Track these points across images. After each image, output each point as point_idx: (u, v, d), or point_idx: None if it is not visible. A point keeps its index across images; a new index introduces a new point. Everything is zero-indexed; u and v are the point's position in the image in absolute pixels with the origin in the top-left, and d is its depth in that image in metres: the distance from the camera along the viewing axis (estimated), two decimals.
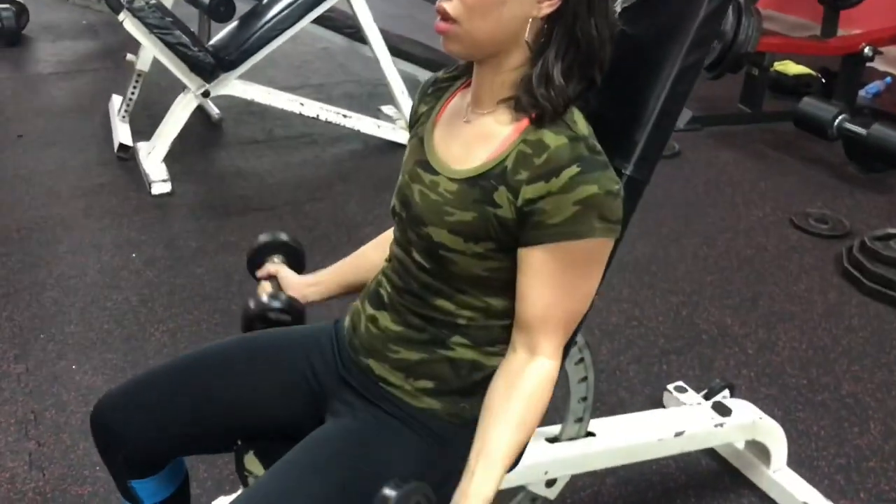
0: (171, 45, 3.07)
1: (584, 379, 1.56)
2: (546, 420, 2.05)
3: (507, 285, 1.13)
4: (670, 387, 2.20)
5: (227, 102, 3.70)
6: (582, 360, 1.54)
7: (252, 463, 1.29)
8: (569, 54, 1.08)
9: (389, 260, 1.27)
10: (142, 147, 3.42)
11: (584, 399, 1.58)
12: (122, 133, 3.56)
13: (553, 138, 1.06)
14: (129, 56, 3.74)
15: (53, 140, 3.63)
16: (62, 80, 4.38)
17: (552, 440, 1.60)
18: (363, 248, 1.45)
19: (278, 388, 1.30)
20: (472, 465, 1.05)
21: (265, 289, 1.46)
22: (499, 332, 1.17)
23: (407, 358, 1.20)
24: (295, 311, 1.40)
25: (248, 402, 1.29)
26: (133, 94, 3.67)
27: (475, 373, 1.19)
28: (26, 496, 1.82)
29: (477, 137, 1.15)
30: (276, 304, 1.39)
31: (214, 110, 3.92)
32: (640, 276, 2.84)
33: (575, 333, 1.24)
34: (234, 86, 3.33)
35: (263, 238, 1.53)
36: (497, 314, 1.17)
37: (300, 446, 1.18)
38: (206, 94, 3.28)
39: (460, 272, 1.14)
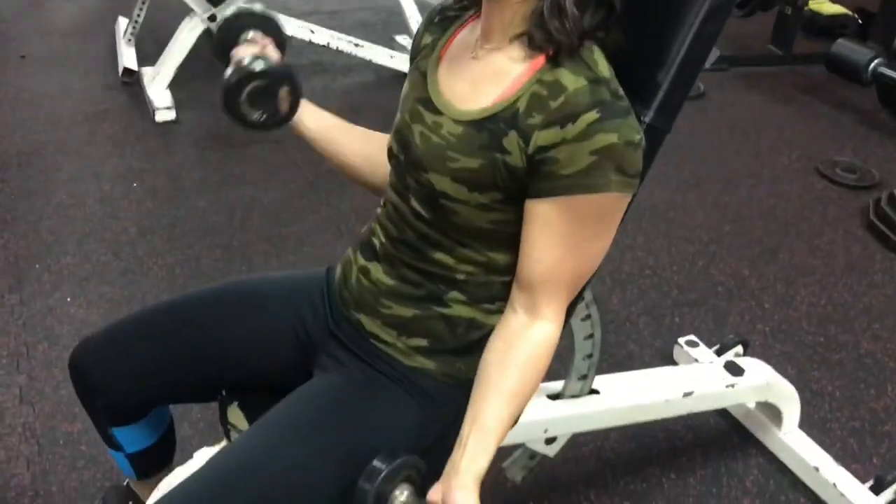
0: None
1: (591, 336, 1.48)
2: (549, 375, 2.01)
3: (511, 239, 1.05)
4: (681, 340, 2.12)
5: None
6: (589, 316, 1.45)
7: (235, 416, 1.23)
8: None
9: (384, 205, 1.18)
10: (147, 72, 3.32)
11: (590, 356, 1.50)
12: (127, 57, 3.45)
13: (572, 79, 0.96)
14: None
15: (57, 62, 3.53)
16: (67, 0, 4.24)
17: (554, 397, 1.53)
18: (360, 128, 1.33)
19: (265, 338, 1.23)
20: (465, 435, 0.98)
21: (245, 52, 1.18)
22: (499, 289, 1.10)
23: (400, 314, 1.13)
24: (287, 76, 1.17)
25: (232, 352, 1.23)
26: (139, 16, 3.54)
27: (472, 331, 1.12)
28: (15, 431, 1.78)
29: (486, 75, 1.04)
30: (261, 64, 1.14)
31: None
32: (656, 223, 2.74)
33: (582, 290, 1.16)
34: None
35: (239, 8, 1.25)
36: (499, 269, 1.09)
37: (285, 403, 1.12)
38: (212, 19, 3.16)
39: (462, 223, 1.05)
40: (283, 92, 1.17)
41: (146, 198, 2.66)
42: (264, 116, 1.18)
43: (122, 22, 3.69)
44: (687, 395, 1.63)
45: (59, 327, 2.09)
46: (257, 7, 1.27)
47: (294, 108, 1.21)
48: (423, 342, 1.12)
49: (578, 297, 1.23)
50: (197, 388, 1.28)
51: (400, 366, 1.12)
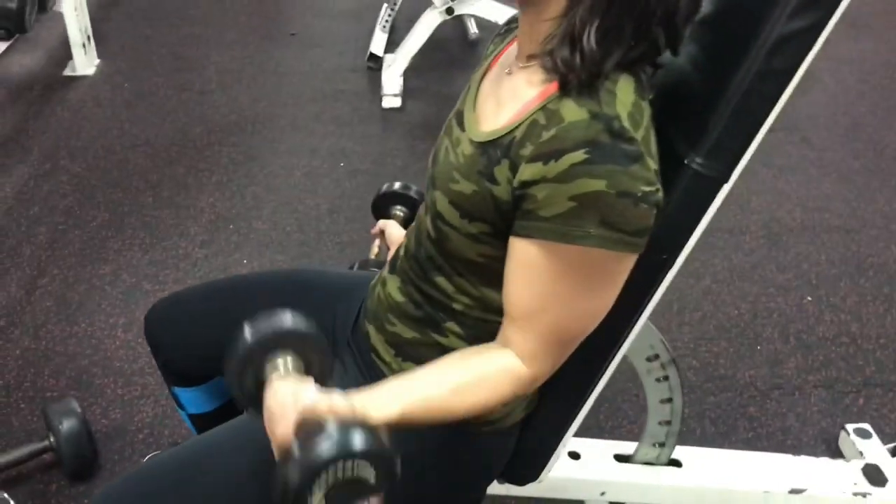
0: None
1: (668, 400, 1.31)
2: (617, 433, 1.84)
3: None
4: (850, 427, 1.81)
5: (489, 23, 3.61)
6: (666, 378, 1.29)
7: None
8: (612, 9, 0.84)
9: (416, 218, 1.15)
10: (387, 59, 3.47)
11: (668, 423, 1.33)
12: (376, 42, 3.63)
13: (572, 111, 0.85)
14: None
15: (320, 41, 3.81)
16: None
17: (623, 459, 1.38)
18: None
19: None
20: (386, 384, 0.93)
21: (373, 249, 1.48)
22: (497, 329, 1.01)
23: (401, 334, 1.10)
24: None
25: None
26: (395, 3, 3.71)
27: None
28: (156, 373, 1.97)
29: (509, 95, 0.97)
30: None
31: (472, 29, 3.85)
32: (878, 285, 2.36)
33: (612, 344, 1.05)
34: (478, 5, 3.23)
35: (390, 186, 1.48)
36: (495, 309, 1.00)
37: None
38: (449, 12, 3.22)
39: (454, 251, 1.00)
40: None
41: (347, 178, 2.79)
42: None
43: (385, 8, 3.89)
44: (795, 492, 1.38)
45: None
46: (412, 191, 1.49)
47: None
48: (415, 368, 1.06)
49: (646, 354, 1.10)
50: None
51: None
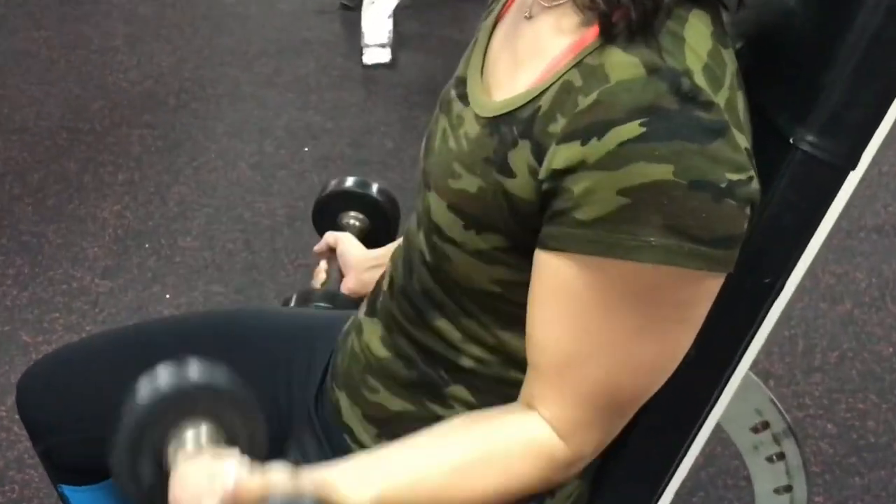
0: None
1: (787, 489, 1.31)
2: None
3: None
4: None
5: None
6: (781, 456, 1.28)
7: None
8: None
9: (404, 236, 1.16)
10: None
11: None
12: None
13: (621, 65, 0.85)
14: None
15: None
16: None
17: None
18: None
19: None
20: (361, 458, 0.98)
21: (318, 275, 1.47)
22: None
23: (385, 404, 1.11)
24: None
25: None
26: None
27: None
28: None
29: (530, 49, 0.98)
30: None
31: None
32: None
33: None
34: None
35: (340, 183, 1.48)
36: (519, 363, 1.00)
37: None
38: None
39: (460, 279, 1.00)
40: None
41: (314, 169, 2.82)
42: None
43: None
44: None
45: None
46: (373, 189, 1.48)
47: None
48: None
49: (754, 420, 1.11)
50: None
51: None
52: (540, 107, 0.89)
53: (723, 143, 0.83)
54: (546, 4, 0.96)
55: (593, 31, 0.88)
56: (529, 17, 0.99)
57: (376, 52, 3.30)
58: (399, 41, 3.36)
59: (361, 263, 1.37)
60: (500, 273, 0.96)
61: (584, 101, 0.85)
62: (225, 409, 0.95)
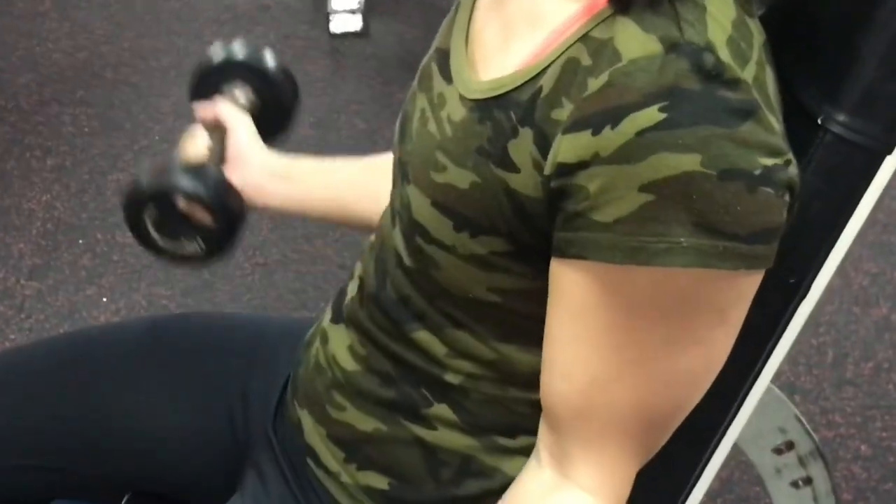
0: None
1: None
2: None
3: (537, 326, 0.96)
4: None
5: None
6: (808, 481, 1.30)
7: None
8: None
9: (375, 234, 1.17)
10: None
11: None
12: None
13: (636, 40, 0.85)
14: None
15: None
16: None
17: None
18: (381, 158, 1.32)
19: (182, 417, 1.28)
20: None
21: (194, 148, 1.30)
22: (523, 413, 1.03)
23: (355, 424, 1.11)
24: (224, 209, 1.22)
25: (132, 433, 1.28)
26: None
27: (467, 480, 1.06)
28: None
29: (525, 17, 0.97)
30: (192, 185, 1.20)
31: None
32: None
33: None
34: None
35: (231, 52, 1.39)
36: (519, 378, 1.02)
37: None
38: None
39: (449, 286, 1.00)
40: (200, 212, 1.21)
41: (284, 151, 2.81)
42: (200, 244, 1.25)
43: None
44: None
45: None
46: (267, 56, 1.39)
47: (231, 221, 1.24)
48: (380, 482, 1.08)
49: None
50: (91, 483, 1.34)
51: None
52: (541, 88, 0.89)
53: (754, 124, 0.82)
54: None
55: (601, 0, 0.88)
56: None
57: (345, 19, 3.31)
58: (371, 6, 3.36)
59: (256, 158, 1.28)
60: (499, 281, 0.96)
61: (593, 84, 0.84)
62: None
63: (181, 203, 1.17)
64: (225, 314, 1.42)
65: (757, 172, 0.82)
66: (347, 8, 3.32)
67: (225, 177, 1.22)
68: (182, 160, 1.25)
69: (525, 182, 0.89)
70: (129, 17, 3.34)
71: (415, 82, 1.08)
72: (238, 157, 1.27)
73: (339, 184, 1.31)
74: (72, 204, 2.66)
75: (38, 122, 2.92)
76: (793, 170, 0.85)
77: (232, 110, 1.30)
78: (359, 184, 1.28)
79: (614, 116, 0.82)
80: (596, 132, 0.83)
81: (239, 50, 1.36)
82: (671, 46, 0.83)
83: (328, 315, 1.18)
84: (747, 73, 0.83)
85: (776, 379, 1.10)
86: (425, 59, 1.09)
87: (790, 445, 1.29)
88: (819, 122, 0.94)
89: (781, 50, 0.94)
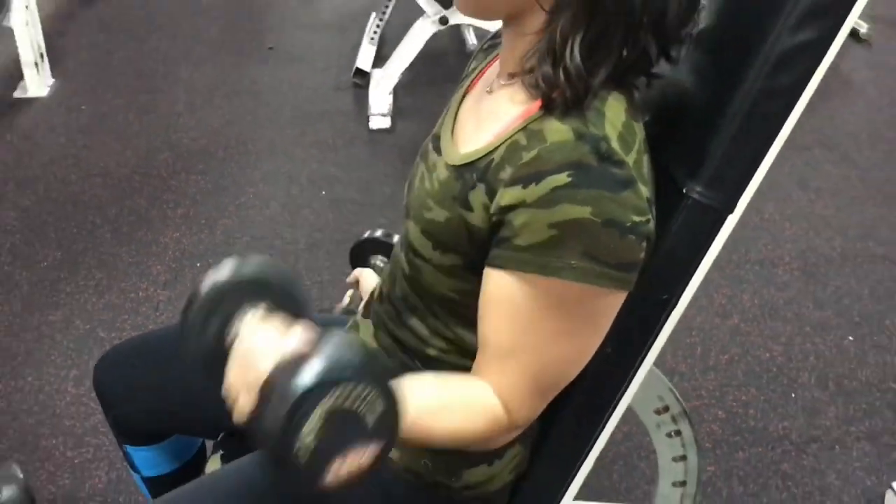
0: None
1: (682, 458, 1.31)
2: (634, 494, 1.84)
3: None
4: None
5: (488, 33, 3.65)
6: (678, 433, 1.29)
7: (213, 467, 1.26)
8: (596, 20, 0.86)
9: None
10: (375, 74, 3.51)
11: (682, 484, 1.33)
12: (363, 56, 3.67)
13: (557, 130, 0.86)
14: None
15: (300, 56, 3.85)
16: None
17: None
18: None
19: None
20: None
21: (344, 300, 1.49)
22: None
23: None
24: None
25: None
26: (384, 13, 3.76)
27: None
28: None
29: (489, 114, 1.00)
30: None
31: (471, 40, 3.90)
32: None
33: (617, 391, 1.07)
34: None
35: (370, 233, 1.50)
36: (472, 354, 1.01)
37: (228, 467, 1.14)
38: (443, 21, 3.26)
39: (428, 287, 1.02)
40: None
41: (329, 209, 2.82)
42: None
43: (373, 18, 3.93)
44: None
45: None
46: (393, 239, 1.48)
47: None
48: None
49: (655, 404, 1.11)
50: (199, 424, 1.34)
51: None
52: (493, 159, 0.91)
53: (630, 192, 0.84)
54: (503, 83, 0.98)
55: (537, 104, 0.90)
56: (490, 92, 1.01)
57: (380, 120, 3.31)
58: (397, 112, 3.37)
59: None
60: (457, 284, 0.98)
61: (526, 156, 0.86)
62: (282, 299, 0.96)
63: None
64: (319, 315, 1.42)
65: (628, 224, 0.84)
66: (381, 112, 3.33)
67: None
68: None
69: (477, 218, 0.92)
70: (235, 117, 3.34)
71: (418, 156, 1.10)
72: (364, 295, 1.37)
73: None
74: (193, 240, 2.66)
75: (171, 185, 2.92)
76: (651, 226, 0.87)
77: (360, 271, 1.46)
78: None
79: (537, 177, 0.84)
80: (525, 186, 0.85)
81: (378, 233, 1.51)
82: (579, 135, 0.85)
83: (361, 312, 1.18)
84: (630, 158, 0.85)
85: (661, 365, 1.10)
86: (425, 141, 1.11)
87: (666, 408, 1.28)
88: (684, 191, 0.95)
89: (662, 142, 0.96)
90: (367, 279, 1.41)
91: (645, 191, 0.86)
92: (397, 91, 3.41)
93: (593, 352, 0.93)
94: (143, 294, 2.43)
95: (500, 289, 0.90)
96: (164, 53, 3.80)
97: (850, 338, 2.29)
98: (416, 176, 1.06)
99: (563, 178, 0.83)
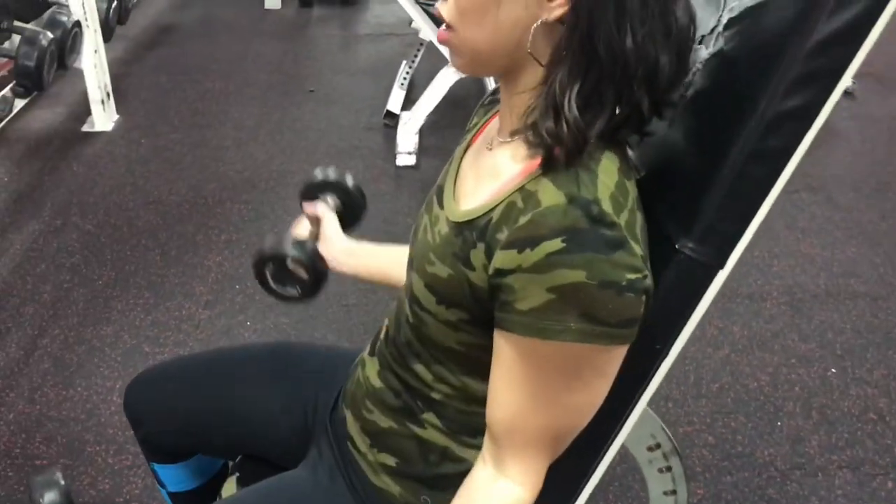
0: (432, 16, 3.03)
1: (672, 493, 1.23)
2: None
3: (488, 367, 0.89)
4: None
5: None
6: (669, 469, 1.20)
7: (228, 490, 1.20)
8: (591, 73, 0.79)
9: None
10: (403, 116, 3.45)
11: None
12: (394, 100, 3.63)
13: (550, 194, 0.79)
14: (414, 24, 3.79)
15: (337, 98, 3.82)
16: (371, 42, 4.59)
17: None
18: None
19: (278, 410, 1.22)
20: None
21: (298, 231, 1.29)
22: (481, 422, 0.93)
23: (377, 422, 1.03)
24: (315, 270, 1.19)
25: (253, 417, 1.22)
26: (413, 61, 3.71)
27: (446, 463, 0.98)
28: None
29: (488, 172, 0.92)
30: (297, 252, 1.17)
31: (491, 86, 3.83)
32: None
33: (611, 430, 1.00)
34: None
35: (327, 174, 1.35)
36: (477, 400, 0.94)
37: (246, 491, 1.07)
38: None
39: (432, 337, 0.94)
40: (300, 270, 1.19)
41: (356, 237, 2.73)
42: (298, 290, 1.21)
43: (403, 65, 3.90)
44: None
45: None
46: (350, 181, 1.36)
47: (318, 278, 1.21)
48: (391, 461, 1.00)
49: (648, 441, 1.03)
50: (221, 446, 1.28)
51: (366, 482, 1.02)
52: (491, 218, 0.84)
53: (623, 252, 0.76)
54: (502, 140, 0.91)
55: (537, 162, 0.83)
56: (490, 149, 0.94)
57: (406, 158, 3.25)
58: (422, 150, 3.31)
59: (338, 241, 1.23)
60: (462, 337, 0.90)
61: (522, 220, 0.79)
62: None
63: (289, 263, 1.15)
64: (313, 344, 1.35)
65: (623, 283, 0.76)
66: (407, 150, 3.27)
67: (318, 249, 1.18)
68: (293, 237, 1.22)
69: (478, 277, 0.84)
70: (277, 152, 3.30)
71: (423, 207, 1.02)
72: (326, 238, 1.22)
73: (384, 262, 1.25)
74: (234, 263, 2.60)
75: (217, 213, 2.87)
76: (648, 281, 0.78)
77: (325, 209, 1.26)
78: (396, 263, 1.20)
79: (532, 242, 0.76)
80: (520, 251, 0.77)
81: (331, 173, 1.32)
82: (571, 199, 0.77)
83: (367, 349, 1.11)
84: (622, 218, 0.77)
85: (656, 393, 1.02)
86: (430, 192, 1.03)
87: (657, 445, 1.20)
88: (676, 246, 0.87)
89: (655, 199, 0.88)
90: (331, 222, 1.25)
91: (637, 248, 0.78)
92: (423, 131, 3.35)
93: (601, 400, 0.86)
94: (185, 313, 2.37)
95: (508, 353, 0.83)
96: (216, 94, 3.78)
97: (833, 370, 2.19)
98: (420, 227, 0.99)
99: (556, 243, 0.76)
